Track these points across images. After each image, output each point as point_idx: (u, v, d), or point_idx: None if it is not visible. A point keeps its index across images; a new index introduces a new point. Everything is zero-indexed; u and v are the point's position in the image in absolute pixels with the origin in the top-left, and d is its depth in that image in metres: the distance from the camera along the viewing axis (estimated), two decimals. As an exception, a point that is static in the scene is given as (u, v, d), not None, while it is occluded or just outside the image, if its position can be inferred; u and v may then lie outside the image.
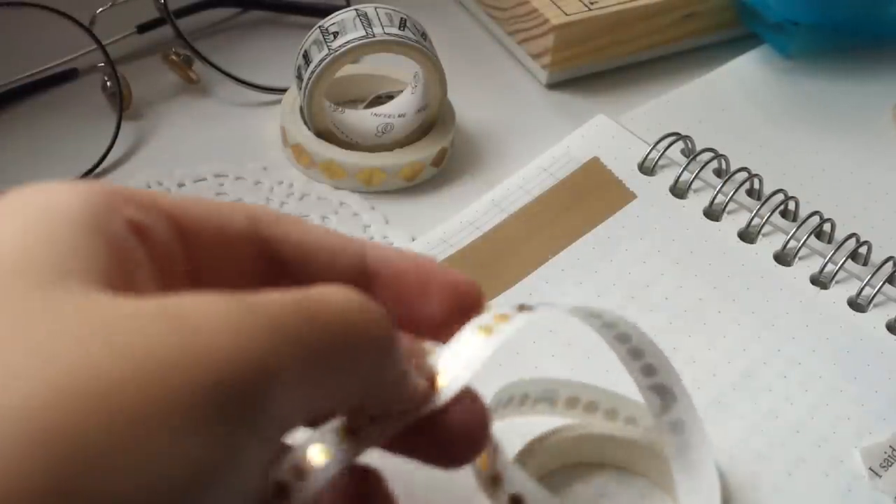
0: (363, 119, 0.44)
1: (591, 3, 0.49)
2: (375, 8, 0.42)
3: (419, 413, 0.22)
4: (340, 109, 0.44)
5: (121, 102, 0.43)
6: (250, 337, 0.17)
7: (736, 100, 0.50)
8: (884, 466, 0.34)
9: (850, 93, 0.51)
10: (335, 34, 0.41)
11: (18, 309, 0.16)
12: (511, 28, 0.51)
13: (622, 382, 0.30)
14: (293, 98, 0.44)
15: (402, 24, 0.41)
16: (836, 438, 0.35)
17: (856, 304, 0.39)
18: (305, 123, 0.43)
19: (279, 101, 0.45)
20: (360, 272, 0.24)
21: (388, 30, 0.41)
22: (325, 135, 0.43)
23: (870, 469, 0.34)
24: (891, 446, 0.34)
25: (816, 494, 0.33)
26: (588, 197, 0.43)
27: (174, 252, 0.21)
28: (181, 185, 0.42)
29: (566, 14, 0.48)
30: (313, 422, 0.21)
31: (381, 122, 0.43)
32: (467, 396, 0.23)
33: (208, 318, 0.17)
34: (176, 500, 0.15)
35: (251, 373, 0.17)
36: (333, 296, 0.20)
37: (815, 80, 0.52)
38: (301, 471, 0.21)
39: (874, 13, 0.51)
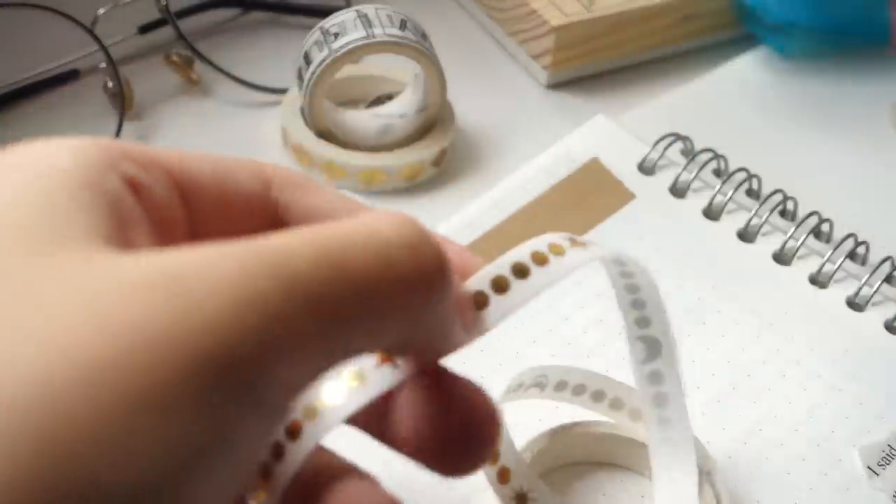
0: (363, 120, 0.44)
1: (591, 4, 0.49)
2: (376, 9, 0.42)
3: (459, 349, 0.20)
4: (341, 110, 0.44)
5: (122, 103, 0.43)
6: (255, 306, 0.15)
7: (735, 100, 0.50)
8: (882, 465, 0.34)
9: (848, 93, 0.51)
10: (336, 35, 0.41)
11: (5, 279, 0.15)
12: (511, 29, 0.51)
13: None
14: (294, 99, 0.44)
15: (403, 25, 0.42)
16: (835, 437, 0.35)
17: (854, 304, 0.40)
18: (306, 124, 0.43)
19: (280, 102, 0.45)
20: None
21: (388, 30, 0.41)
22: (325, 135, 0.43)
23: (868, 468, 0.34)
24: (889, 445, 0.34)
25: (815, 493, 0.33)
26: (588, 197, 0.43)
27: (174, 212, 0.19)
28: (182, 185, 0.42)
29: (566, 15, 0.48)
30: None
31: (381, 123, 0.43)
32: (474, 391, 0.21)
33: (209, 283, 0.15)
34: (173, 481, 0.15)
35: (253, 343, 0.15)
36: (371, 239, 0.17)
37: (813, 80, 0.52)
38: (313, 411, 0.19)
39: (872, 14, 0.51)
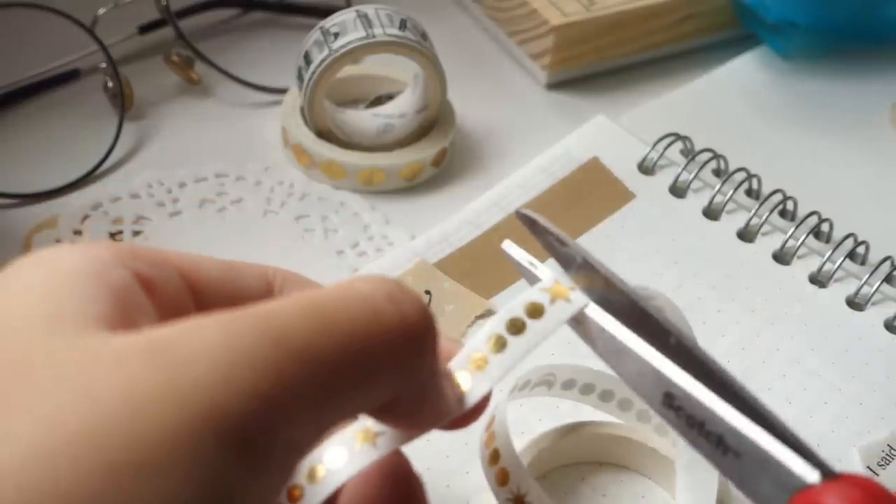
0: (364, 119, 0.44)
1: (591, 4, 0.49)
2: (376, 9, 0.42)
3: (447, 419, 0.21)
4: (341, 110, 0.44)
5: (122, 103, 0.43)
6: (244, 362, 0.16)
7: (734, 100, 0.50)
8: (882, 465, 0.34)
9: (847, 93, 0.51)
10: (336, 35, 0.41)
11: (10, 364, 0.16)
12: (511, 29, 0.51)
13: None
14: (294, 98, 0.44)
15: (403, 25, 0.42)
16: (835, 437, 0.35)
17: (854, 303, 0.40)
18: (306, 124, 0.43)
19: (280, 102, 0.45)
20: None
21: (388, 31, 0.41)
22: (325, 135, 0.43)
23: (868, 467, 0.34)
24: (889, 445, 0.34)
25: (815, 492, 0.33)
26: (587, 196, 0.43)
27: (185, 307, 0.20)
28: (182, 185, 0.42)
29: (565, 15, 0.48)
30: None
31: (381, 123, 0.43)
32: (416, 487, 0.22)
33: (195, 347, 0.16)
34: None
35: (246, 398, 0.15)
36: (349, 291, 0.18)
37: (812, 80, 0.52)
38: (314, 473, 0.20)
39: (871, 14, 0.51)
